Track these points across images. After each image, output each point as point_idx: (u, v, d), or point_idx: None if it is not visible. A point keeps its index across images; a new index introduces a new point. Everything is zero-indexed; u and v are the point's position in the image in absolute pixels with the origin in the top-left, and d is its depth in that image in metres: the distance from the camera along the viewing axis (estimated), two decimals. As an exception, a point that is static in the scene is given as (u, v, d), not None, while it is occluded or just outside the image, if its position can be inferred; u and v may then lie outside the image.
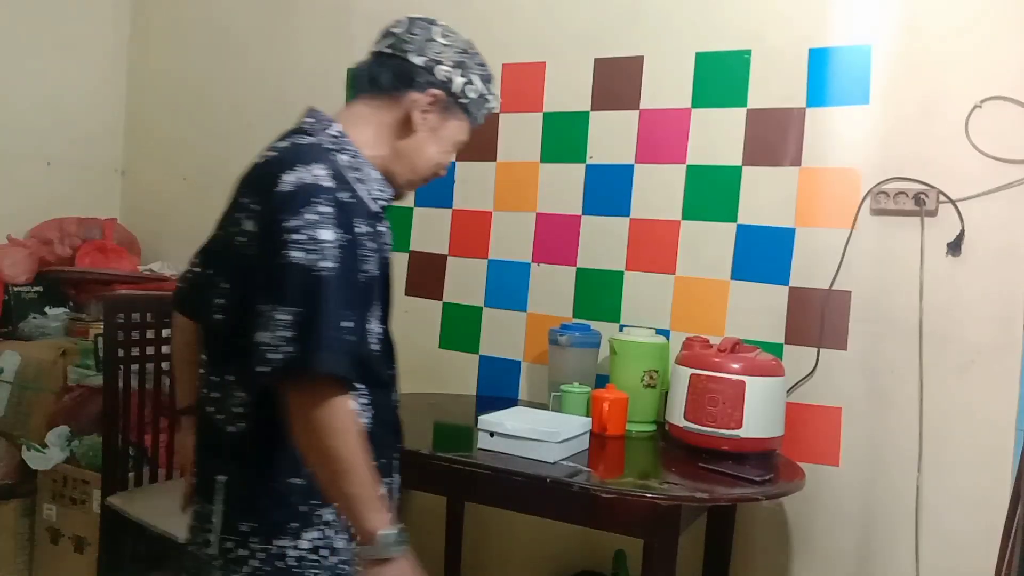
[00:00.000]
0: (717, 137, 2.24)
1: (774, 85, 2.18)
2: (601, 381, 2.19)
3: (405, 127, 1.25)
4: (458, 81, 1.26)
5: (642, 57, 2.35)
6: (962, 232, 1.97)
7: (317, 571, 1.15)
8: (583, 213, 2.43)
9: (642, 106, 2.34)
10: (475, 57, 1.29)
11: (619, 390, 2.07)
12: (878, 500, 2.06)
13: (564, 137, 2.46)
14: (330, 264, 1.05)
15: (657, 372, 2.13)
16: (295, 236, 1.04)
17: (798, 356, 2.13)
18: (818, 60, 2.13)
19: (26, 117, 3.00)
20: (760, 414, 1.89)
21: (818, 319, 2.12)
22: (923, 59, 2.02)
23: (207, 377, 1.19)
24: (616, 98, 2.38)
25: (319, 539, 1.16)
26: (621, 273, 2.38)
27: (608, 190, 2.39)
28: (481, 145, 2.58)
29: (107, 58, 3.29)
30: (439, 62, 1.25)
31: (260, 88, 3.02)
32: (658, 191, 2.32)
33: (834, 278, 2.10)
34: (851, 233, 2.09)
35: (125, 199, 3.35)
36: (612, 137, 2.39)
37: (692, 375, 1.94)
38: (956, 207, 1.98)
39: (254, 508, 1.14)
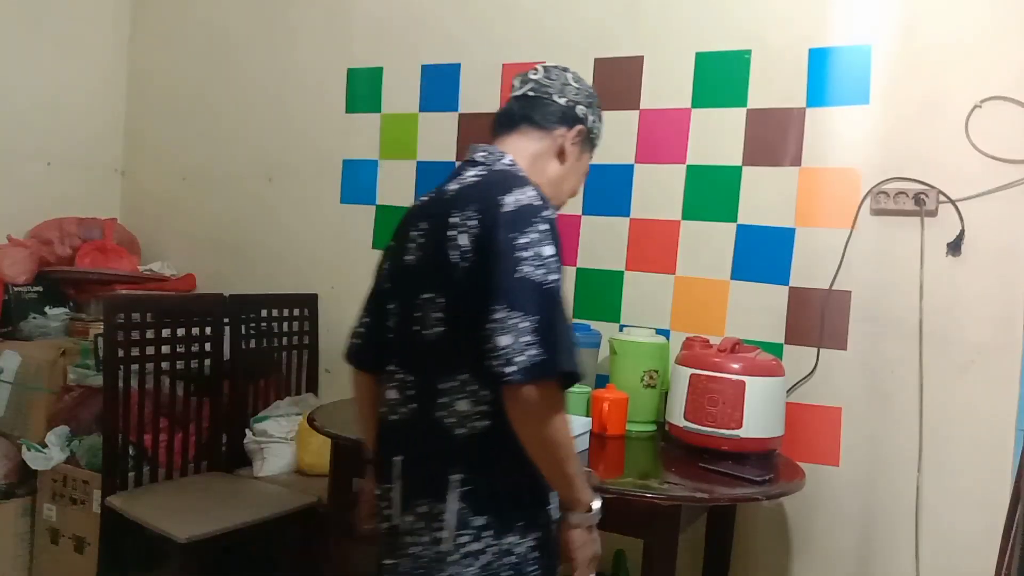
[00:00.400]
0: (717, 137, 2.24)
1: (774, 85, 2.18)
2: (601, 381, 2.20)
3: (557, 157, 1.43)
4: (591, 119, 1.46)
5: (642, 57, 2.35)
6: (962, 232, 1.98)
7: (535, 568, 1.25)
8: (583, 213, 2.44)
9: (642, 106, 2.35)
10: (597, 99, 1.48)
11: (619, 390, 2.07)
12: (878, 500, 2.06)
13: (564, 137, 2.46)
14: (555, 277, 1.19)
15: (657, 372, 2.13)
16: (525, 253, 1.18)
17: (798, 356, 2.13)
18: (818, 60, 2.13)
19: (26, 117, 3.01)
20: (760, 414, 1.89)
21: (818, 319, 2.12)
22: (923, 59, 2.02)
23: (431, 387, 1.25)
24: (616, 98, 2.38)
25: (540, 538, 1.26)
26: (621, 273, 2.38)
27: (608, 190, 2.39)
28: (481, 145, 2.59)
29: (107, 58, 3.29)
30: (578, 102, 1.44)
31: (259, 89, 3.02)
32: (658, 191, 2.32)
33: (834, 278, 2.10)
34: (851, 233, 2.09)
35: (125, 199, 3.35)
36: (612, 137, 2.36)
37: (692, 375, 1.94)
38: (956, 207, 1.98)
39: (488, 505, 1.22)
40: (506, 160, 1.36)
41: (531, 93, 1.43)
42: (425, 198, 1.39)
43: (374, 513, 1.39)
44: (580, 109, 1.43)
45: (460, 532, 1.21)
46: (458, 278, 1.22)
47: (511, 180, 1.27)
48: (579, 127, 1.43)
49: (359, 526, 1.50)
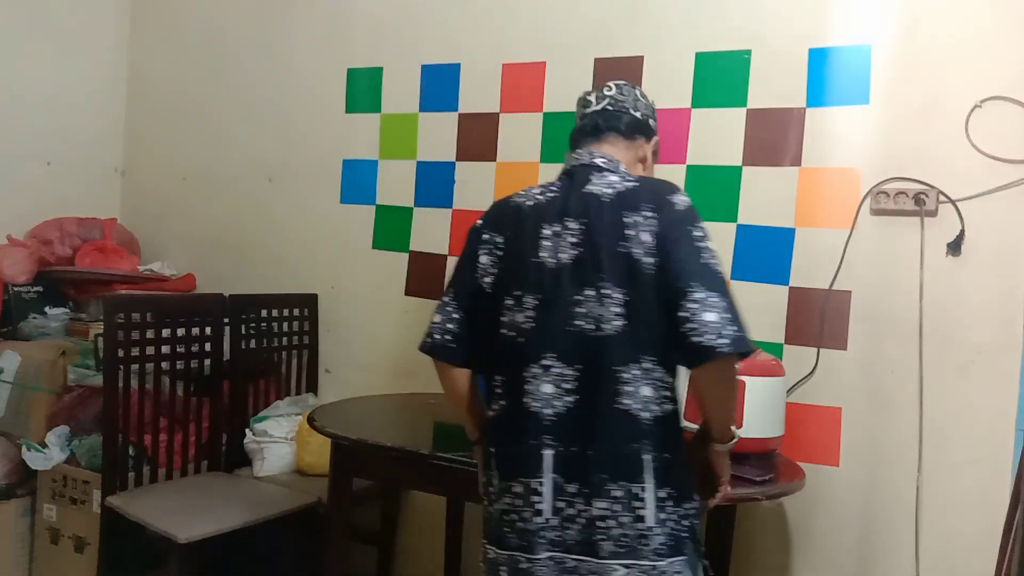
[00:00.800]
0: (717, 137, 2.24)
1: (774, 85, 2.18)
2: (601, 381, 2.19)
3: (640, 164, 1.55)
4: (657, 131, 1.60)
5: (642, 57, 2.35)
6: (962, 232, 1.97)
7: (698, 524, 1.41)
8: (583, 213, 2.43)
9: (642, 106, 2.34)
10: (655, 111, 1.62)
11: (619, 390, 2.07)
12: (878, 500, 2.06)
13: (564, 137, 2.43)
14: (722, 268, 1.34)
15: (657, 372, 2.13)
16: (702, 244, 1.33)
17: (798, 356, 2.13)
18: (818, 60, 2.13)
19: (26, 117, 3.00)
20: (760, 414, 1.88)
21: (818, 319, 2.12)
22: (923, 59, 2.02)
23: (606, 377, 1.33)
24: (616, 98, 2.38)
25: (699, 501, 1.42)
26: (621, 273, 2.37)
27: (608, 190, 2.39)
28: (481, 145, 2.59)
29: (107, 58, 3.29)
30: (649, 116, 1.57)
31: (259, 89, 3.02)
32: (658, 191, 2.32)
33: (834, 278, 2.10)
34: (851, 233, 2.09)
35: (125, 199, 3.35)
36: (612, 137, 2.38)
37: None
38: (956, 207, 1.98)
39: (670, 478, 1.34)
40: (622, 167, 1.47)
41: (610, 108, 1.54)
42: (542, 198, 1.47)
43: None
44: (652, 122, 1.57)
45: (657, 507, 1.33)
46: (644, 271, 1.32)
47: (668, 184, 1.42)
48: (655, 138, 1.57)
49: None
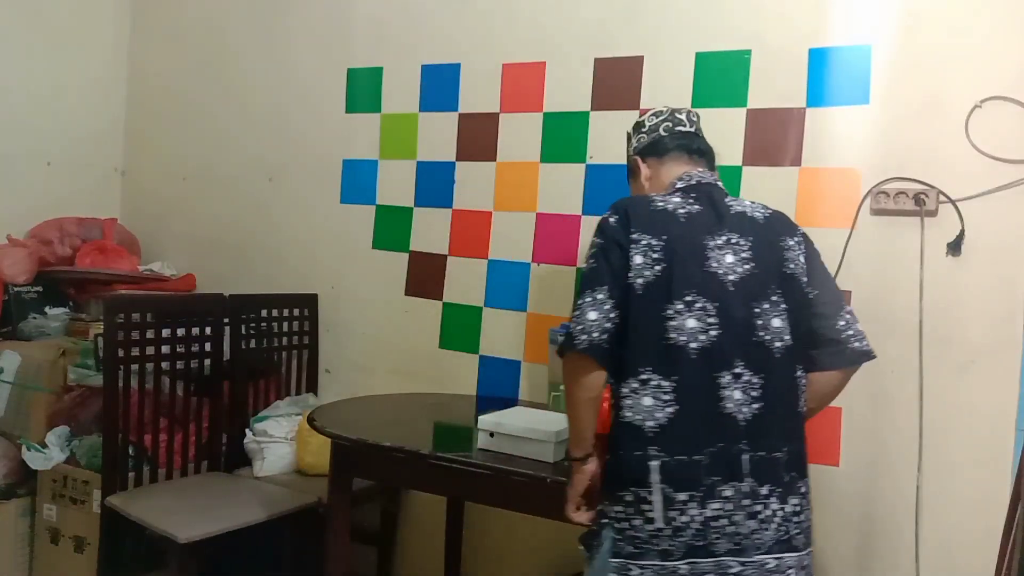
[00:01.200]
0: (717, 137, 2.20)
1: (774, 85, 2.18)
2: (601, 381, 2.19)
3: None
4: None
5: (642, 57, 2.35)
6: (962, 232, 1.97)
7: None
8: (583, 213, 2.43)
9: (642, 106, 2.34)
10: None
11: (619, 390, 2.07)
12: (878, 500, 2.06)
13: (564, 137, 2.46)
14: None
15: (657, 372, 2.13)
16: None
17: (798, 356, 2.13)
18: (818, 60, 2.13)
19: (26, 117, 3.01)
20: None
21: (818, 319, 2.12)
22: (923, 59, 2.02)
23: (783, 383, 1.43)
24: (616, 98, 2.38)
25: None
26: (621, 273, 2.37)
27: (609, 190, 2.39)
28: (481, 145, 2.59)
29: (107, 58, 3.29)
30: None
31: (259, 89, 3.02)
32: (658, 191, 2.32)
33: (834, 278, 2.10)
34: (851, 233, 2.09)
35: (125, 199, 3.35)
36: (612, 137, 2.38)
37: (692, 375, 1.93)
38: (956, 207, 1.98)
39: (801, 472, 1.44)
40: None
41: (699, 134, 1.64)
42: (690, 208, 1.48)
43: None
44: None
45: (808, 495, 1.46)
46: (803, 289, 1.48)
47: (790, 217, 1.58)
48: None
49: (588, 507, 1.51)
